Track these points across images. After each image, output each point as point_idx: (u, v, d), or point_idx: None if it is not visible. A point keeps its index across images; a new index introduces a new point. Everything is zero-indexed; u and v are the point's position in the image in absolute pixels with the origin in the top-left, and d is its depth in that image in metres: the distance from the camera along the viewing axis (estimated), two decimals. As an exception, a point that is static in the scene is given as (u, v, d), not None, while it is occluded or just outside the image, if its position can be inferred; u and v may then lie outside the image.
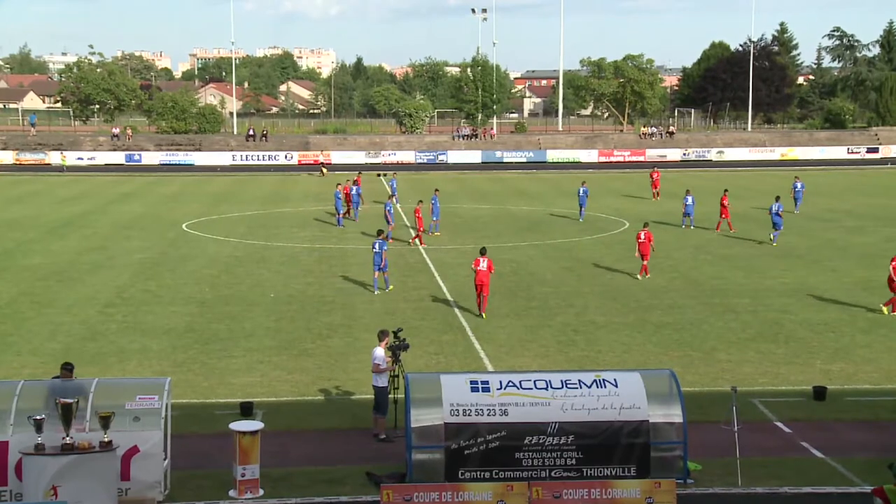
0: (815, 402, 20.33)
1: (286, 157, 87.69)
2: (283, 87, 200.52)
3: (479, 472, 15.49)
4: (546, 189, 65.50)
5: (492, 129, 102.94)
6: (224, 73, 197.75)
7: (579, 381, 16.12)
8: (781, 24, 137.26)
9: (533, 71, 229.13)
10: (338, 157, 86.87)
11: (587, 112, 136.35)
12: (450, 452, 15.51)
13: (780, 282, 32.76)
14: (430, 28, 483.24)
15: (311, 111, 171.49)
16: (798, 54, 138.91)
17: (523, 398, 15.77)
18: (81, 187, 66.44)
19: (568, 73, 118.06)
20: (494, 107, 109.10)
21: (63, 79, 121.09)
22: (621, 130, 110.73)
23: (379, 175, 72.09)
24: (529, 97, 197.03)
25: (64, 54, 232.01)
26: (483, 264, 27.62)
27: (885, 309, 27.96)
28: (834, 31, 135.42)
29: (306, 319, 27.53)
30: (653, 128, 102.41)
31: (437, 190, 46.85)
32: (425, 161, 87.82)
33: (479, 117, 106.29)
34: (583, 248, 40.22)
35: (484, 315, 27.69)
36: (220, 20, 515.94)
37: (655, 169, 62.39)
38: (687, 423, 16.01)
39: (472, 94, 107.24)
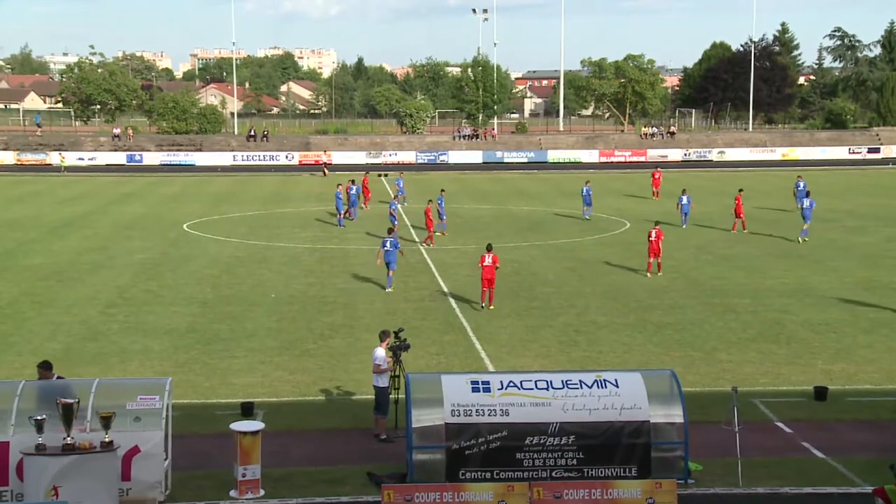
0: (816, 402, 20.31)
1: (287, 157, 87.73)
2: (283, 88, 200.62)
3: (479, 473, 15.48)
4: (547, 189, 65.51)
5: (493, 129, 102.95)
6: (225, 74, 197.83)
7: (580, 381, 16.12)
8: (782, 25, 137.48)
9: (534, 71, 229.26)
10: (339, 157, 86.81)
11: (588, 112, 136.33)
12: (451, 453, 15.51)
13: (781, 282, 32.75)
14: (431, 28, 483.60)
15: (312, 111, 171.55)
16: (799, 54, 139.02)
17: (524, 398, 15.76)
18: (82, 187, 66.46)
19: (569, 74, 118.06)
20: (495, 107, 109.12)
21: (64, 79, 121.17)
22: (622, 131, 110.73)
23: (380, 175, 72.13)
24: (530, 97, 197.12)
25: (65, 55, 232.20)
26: (489, 260, 28.57)
27: None
28: (835, 31, 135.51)
29: (307, 320, 27.54)
30: (654, 128, 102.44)
31: (442, 190, 46.93)
32: (426, 161, 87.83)
33: (480, 117, 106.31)
34: (584, 249, 40.21)
35: (493, 307, 28.52)
36: (221, 20, 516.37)
37: (657, 169, 62.50)
38: (688, 424, 16.00)
39: (473, 95, 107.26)
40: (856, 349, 24.47)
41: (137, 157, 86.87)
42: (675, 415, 16.02)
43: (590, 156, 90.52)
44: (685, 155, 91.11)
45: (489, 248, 29.31)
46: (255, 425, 16.10)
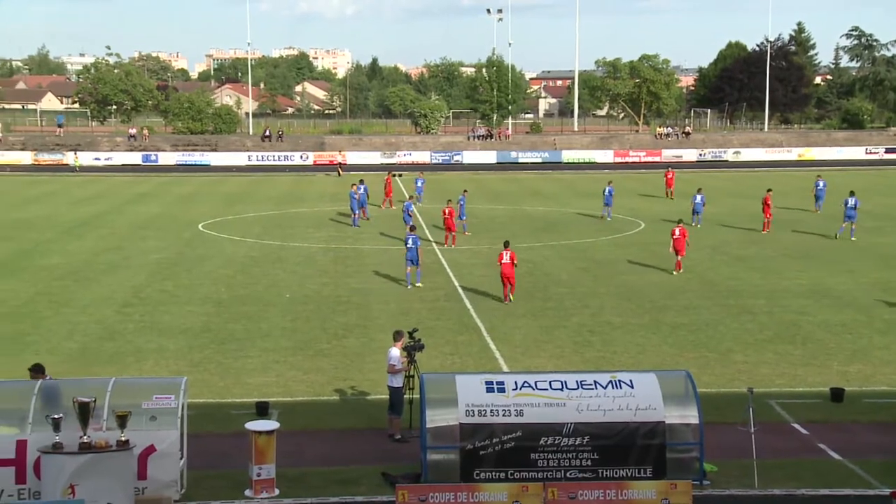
0: (832, 403, 20.22)
1: (301, 157, 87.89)
2: (298, 88, 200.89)
3: (494, 473, 15.47)
4: (561, 189, 65.43)
5: (507, 129, 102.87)
6: (240, 74, 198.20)
7: (595, 381, 16.09)
8: (799, 24, 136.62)
9: (548, 71, 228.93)
10: (353, 157, 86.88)
11: (603, 112, 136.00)
12: (465, 453, 15.50)
13: (797, 283, 32.61)
14: (446, 28, 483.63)
15: (327, 111, 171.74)
16: (815, 54, 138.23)
17: (539, 399, 15.75)
18: (98, 187, 66.77)
19: (583, 74, 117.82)
20: (510, 107, 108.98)
21: (81, 80, 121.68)
22: (637, 131, 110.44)
23: (395, 175, 72.14)
24: (545, 97, 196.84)
25: (82, 55, 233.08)
26: (507, 257, 29.42)
27: None
28: (852, 30, 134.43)
29: (322, 320, 27.59)
30: (669, 128, 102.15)
31: (465, 191, 46.96)
32: (440, 161, 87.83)
33: (495, 118, 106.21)
34: (598, 249, 40.14)
35: (513, 298, 29.50)
36: (236, 21, 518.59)
37: (670, 169, 62.40)
38: (703, 425, 15.95)
39: (488, 95, 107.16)
40: (872, 350, 24.35)
41: (153, 158, 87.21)
42: (691, 416, 15.97)
43: (604, 156, 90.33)
44: (700, 155, 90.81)
45: (507, 245, 30.00)
46: (269, 425, 16.13)
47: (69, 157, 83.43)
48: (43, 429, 14.76)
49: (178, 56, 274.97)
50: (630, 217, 49.45)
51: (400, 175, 70.06)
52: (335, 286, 32.31)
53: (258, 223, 48.13)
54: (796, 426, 18.99)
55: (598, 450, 15.57)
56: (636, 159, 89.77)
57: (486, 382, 16.07)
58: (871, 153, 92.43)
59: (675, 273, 33.85)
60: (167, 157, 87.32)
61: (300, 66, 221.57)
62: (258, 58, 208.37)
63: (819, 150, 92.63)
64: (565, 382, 16.01)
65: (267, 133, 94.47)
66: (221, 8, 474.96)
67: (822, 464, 17.14)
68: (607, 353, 24.03)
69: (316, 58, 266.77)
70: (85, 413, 14.43)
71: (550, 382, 16.02)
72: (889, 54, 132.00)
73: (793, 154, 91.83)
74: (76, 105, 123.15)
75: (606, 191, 49.23)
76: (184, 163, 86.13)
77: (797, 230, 44.45)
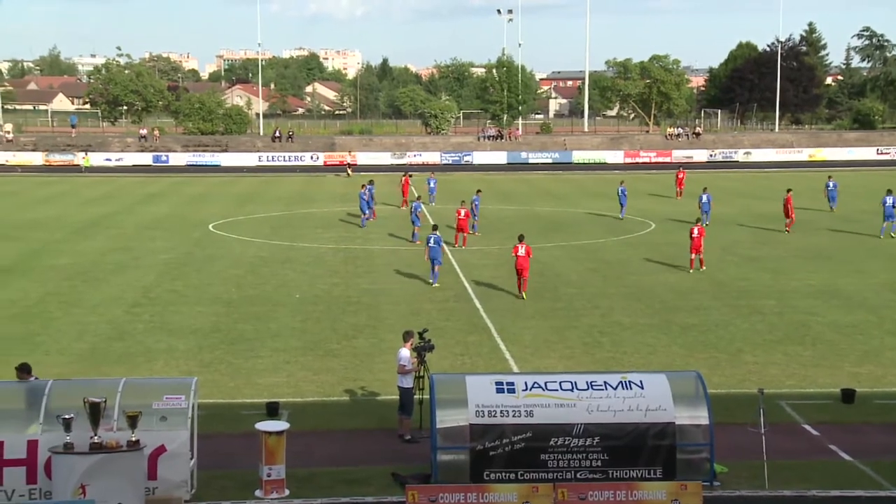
0: (843, 404, 20.14)
1: (312, 157, 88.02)
2: (308, 89, 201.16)
3: (504, 474, 15.46)
4: (572, 190, 65.37)
5: (517, 130, 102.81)
6: (250, 75, 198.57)
7: (605, 382, 16.06)
8: (810, 24, 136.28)
9: (558, 72, 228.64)
10: (363, 157, 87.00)
11: (613, 113, 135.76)
12: (475, 453, 15.50)
13: (808, 283, 32.51)
14: (456, 29, 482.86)
15: (337, 112, 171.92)
16: (826, 54, 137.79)
17: (549, 399, 15.73)
18: (108, 188, 66.98)
19: (594, 74, 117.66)
20: (520, 108, 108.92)
21: (91, 80, 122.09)
22: (647, 131, 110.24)
23: (408, 175, 72.11)
24: (555, 98, 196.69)
25: (93, 56, 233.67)
26: (522, 250, 30.11)
27: None
28: (863, 30, 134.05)
29: (332, 320, 27.61)
30: (679, 129, 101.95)
31: (479, 190, 46.89)
32: (451, 162, 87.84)
33: (505, 118, 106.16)
34: (608, 250, 40.09)
35: (525, 295, 29.93)
36: (247, 22, 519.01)
37: (681, 168, 62.39)
38: (713, 425, 15.91)
39: (498, 95, 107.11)
40: (883, 351, 24.25)
41: (164, 158, 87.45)
42: (701, 416, 15.94)
43: (615, 156, 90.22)
44: (711, 156, 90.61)
45: (521, 239, 30.64)
46: (279, 425, 16.15)
47: (80, 158, 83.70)
48: (54, 429, 14.81)
49: (188, 57, 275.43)
50: (640, 217, 49.37)
51: (411, 175, 69.98)
52: (345, 286, 32.34)
53: (268, 223, 48.21)
54: (807, 427, 18.93)
55: (608, 450, 15.54)
56: (646, 160, 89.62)
57: (497, 383, 16.06)
58: (882, 153, 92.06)
59: (693, 271, 34.24)
60: (178, 158, 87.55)
61: (310, 67, 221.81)
62: (269, 58, 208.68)
63: (830, 150, 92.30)
64: (575, 383, 15.99)
65: (277, 134, 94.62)
66: (232, 8, 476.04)
67: (833, 465, 17.08)
68: (617, 354, 23.99)
69: (326, 58, 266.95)
70: (96, 413, 14.47)
71: (560, 383, 16.00)
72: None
73: (803, 155, 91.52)
74: (87, 106, 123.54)
75: (619, 190, 49.37)
76: (194, 163, 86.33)
77: (808, 230, 44.31)
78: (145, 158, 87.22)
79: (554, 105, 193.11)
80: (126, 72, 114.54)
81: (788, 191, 45.83)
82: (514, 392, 15.81)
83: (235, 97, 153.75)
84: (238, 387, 21.55)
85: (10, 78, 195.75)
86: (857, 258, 37.51)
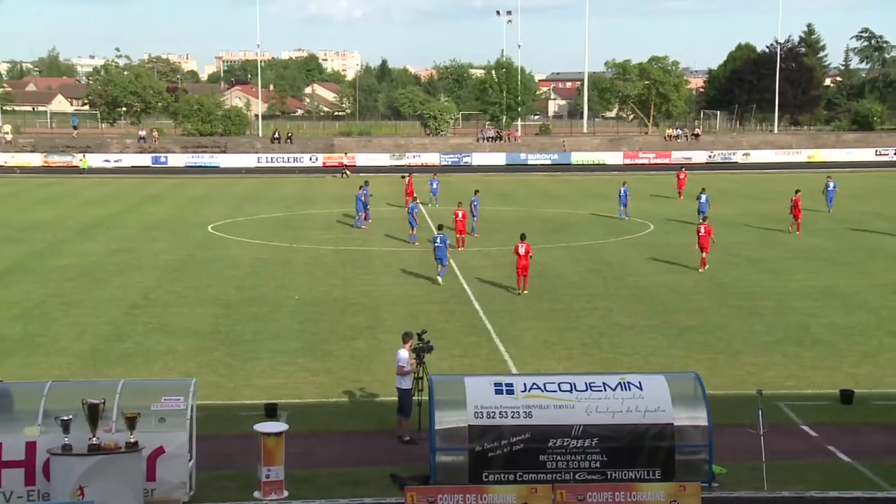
0: (841, 405, 20.16)
1: (311, 159, 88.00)
2: (308, 90, 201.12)
3: (502, 475, 15.47)
4: (571, 191, 65.39)
5: (516, 131, 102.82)
6: (249, 76, 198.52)
7: (604, 383, 16.06)
8: (808, 26, 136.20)
9: (557, 73, 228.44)
10: (362, 159, 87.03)
11: (612, 114, 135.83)
12: (474, 455, 15.50)
13: (807, 284, 32.52)
14: (455, 30, 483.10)
15: (336, 113, 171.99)
16: (825, 55, 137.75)
17: (548, 400, 15.73)
18: (108, 189, 66.98)
19: (593, 75, 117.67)
20: (519, 109, 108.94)
21: (90, 82, 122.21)
22: (646, 132, 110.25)
23: (403, 177, 72.14)
24: (554, 99, 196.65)
25: (92, 57, 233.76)
26: (522, 249, 30.86)
27: None
28: (862, 31, 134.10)
29: (331, 321, 27.61)
30: (678, 130, 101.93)
31: (477, 191, 46.82)
32: (450, 163, 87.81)
33: (504, 119, 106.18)
34: (608, 251, 40.10)
35: (526, 291, 30.67)
36: (246, 23, 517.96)
37: (683, 169, 62.48)
38: (712, 426, 15.92)
39: (497, 97, 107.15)
40: (882, 352, 24.26)
41: (162, 159, 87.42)
42: (700, 417, 15.94)
43: (614, 158, 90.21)
44: (710, 157, 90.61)
45: (523, 238, 31.41)
46: (278, 426, 16.15)
47: (78, 159, 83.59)
48: (52, 430, 14.80)
49: (187, 58, 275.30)
50: (640, 218, 49.39)
51: (412, 175, 69.95)
52: (344, 288, 32.34)
53: (268, 225, 48.22)
54: (805, 428, 18.94)
55: (606, 452, 15.55)
56: (645, 161, 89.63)
57: (495, 384, 16.06)
58: (880, 155, 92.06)
59: (700, 271, 34.46)
60: (177, 159, 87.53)
61: (310, 68, 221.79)
62: (268, 60, 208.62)
63: (829, 151, 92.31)
64: (574, 384, 16.00)
65: (276, 135, 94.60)
66: (231, 10, 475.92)
67: (832, 466, 17.09)
68: (616, 355, 24.00)
69: (325, 59, 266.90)
70: (94, 415, 14.48)
71: (559, 384, 16.01)
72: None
73: (802, 156, 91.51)
74: (86, 107, 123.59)
75: (622, 191, 49.51)
76: (193, 164, 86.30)
77: (808, 232, 44.32)
78: (144, 160, 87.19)
79: (553, 106, 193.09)
80: (125, 73, 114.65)
81: (797, 191, 45.90)
82: (512, 393, 15.82)
83: (234, 98, 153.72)
84: (237, 388, 21.56)
85: (8, 79, 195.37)
86: (856, 259, 37.52)
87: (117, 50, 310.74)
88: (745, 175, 78.37)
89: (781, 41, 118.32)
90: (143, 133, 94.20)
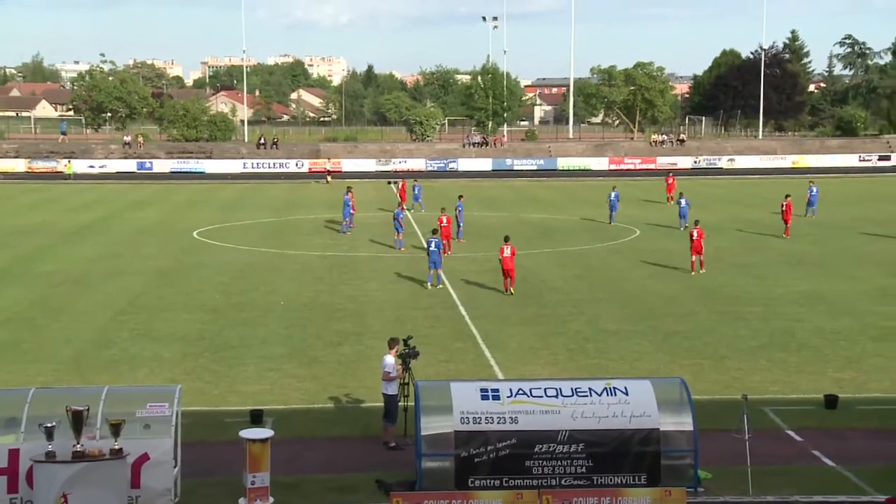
0: (826, 410, 20.24)
1: (297, 164, 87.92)
2: (294, 95, 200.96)
3: (488, 480, 15.46)
4: (557, 196, 65.51)
5: (502, 136, 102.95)
6: (235, 81, 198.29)
7: (590, 389, 16.08)
8: (793, 32, 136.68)
9: (543, 79, 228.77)
10: (348, 164, 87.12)
11: (598, 120, 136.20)
12: (460, 460, 15.49)
13: (793, 290, 32.65)
14: (441, 36, 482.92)
15: (322, 119, 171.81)
16: (809, 62, 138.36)
17: (534, 406, 15.74)
18: (93, 195, 66.72)
19: (578, 81, 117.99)
20: (505, 115, 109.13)
21: (75, 87, 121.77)
22: (632, 138, 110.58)
23: (389, 182, 72.29)
24: (540, 105, 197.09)
25: (76, 63, 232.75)
26: (507, 251, 31.45)
27: None
28: (845, 38, 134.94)
29: (317, 327, 27.56)
30: (663, 135, 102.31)
31: (461, 196, 46.74)
32: (436, 169, 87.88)
33: (490, 125, 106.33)
34: (594, 256, 40.18)
35: (513, 291, 31.38)
36: (232, 28, 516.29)
37: (671, 174, 62.80)
38: (697, 432, 15.96)
39: (483, 102, 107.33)
40: (866, 357, 24.38)
41: (148, 165, 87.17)
42: (685, 423, 15.98)
43: (599, 163, 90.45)
44: (695, 162, 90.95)
45: (507, 240, 31.99)
46: (264, 433, 16.07)
47: (62, 165, 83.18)
48: (35, 438, 14.71)
49: (173, 63, 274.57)
50: (625, 224, 49.50)
51: (395, 182, 70.08)
52: (330, 293, 32.30)
53: (254, 230, 48.12)
54: (790, 433, 19.01)
55: (592, 457, 15.56)
56: (631, 166, 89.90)
57: (481, 390, 16.06)
58: (864, 160, 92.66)
59: (692, 274, 34.95)
60: (162, 165, 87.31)
61: (295, 74, 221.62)
62: (253, 65, 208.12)
63: (813, 157, 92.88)
64: (560, 390, 16.01)
65: (262, 140, 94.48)
66: (217, 15, 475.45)
67: (817, 470, 17.16)
68: (602, 361, 24.03)
69: (311, 65, 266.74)
70: (78, 421, 14.40)
71: (545, 390, 16.02)
72: (882, 62, 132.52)
73: (787, 161, 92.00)
74: (70, 112, 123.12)
75: (612, 196, 49.94)
76: (179, 170, 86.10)
77: (793, 237, 44.50)
78: (129, 165, 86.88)
79: (539, 112, 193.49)
80: (110, 78, 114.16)
81: (787, 196, 46.20)
82: (498, 399, 15.82)
83: (220, 104, 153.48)
84: (222, 394, 21.49)
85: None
86: (842, 265, 37.70)
87: (102, 55, 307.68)
88: (730, 180, 78.71)
89: (766, 47, 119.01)
90: (128, 139, 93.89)
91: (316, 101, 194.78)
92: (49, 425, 14.41)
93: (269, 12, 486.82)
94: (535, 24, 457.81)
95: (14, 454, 14.87)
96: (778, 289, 32.82)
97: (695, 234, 35.28)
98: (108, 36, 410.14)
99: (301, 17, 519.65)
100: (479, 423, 15.55)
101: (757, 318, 28.51)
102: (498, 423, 15.56)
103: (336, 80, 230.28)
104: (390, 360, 18.46)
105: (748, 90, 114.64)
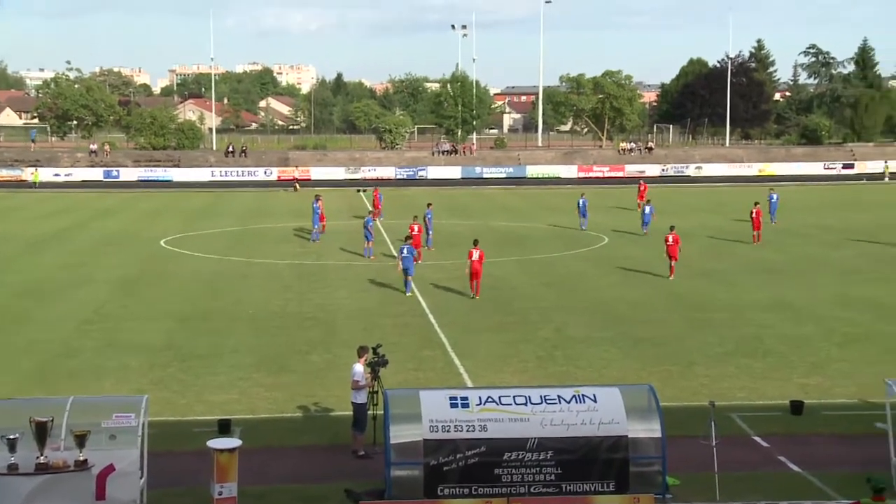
0: (792, 416, 20.41)
1: (265, 172, 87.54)
2: (262, 103, 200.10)
3: (458, 489, 15.42)
4: (526, 204, 65.69)
5: (471, 144, 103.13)
6: (203, 89, 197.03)
7: (558, 396, 16.09)
8: (758, 41, 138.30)
9: (512, 87, 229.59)
10: (317, 172, 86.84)
11: (566, 128, 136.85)
12: (429, 469, 15.45)
13: (759, 297, 32.91)
14: (410, 44, 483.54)
15: (291, 127, 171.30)
16: (775, 71, 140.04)
17: (503, 414, 15.73)
18: (59, 204, 66.06)
19: (547, 89, 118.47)
20: (474, 122, 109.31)
21: (40, 94, 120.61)
22: (600, 146, 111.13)
23: (359, 191, 72.19)
24: (509, 113, 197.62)
25: (41, 70, 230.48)
26: (476, 255, 31.98)
27: None
28: (810, 48, 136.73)
29: (286, 336, 27.43)
30: (632, 143, 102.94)
31: (429, 204, 46.73)
32: (405, 177, 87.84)
33: (459, 133, 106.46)
34: (563, 263, 40.31)
35: (478, 296, 31.90)
36: (200, 36, 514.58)
37: (642, 182, 63.17)
38: (666, 438, 16.01)
39: (452, 110, 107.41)
40: (830, 363, 24.62)
41: (114, 173, 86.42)
42: (654, 429, 16.02)
43: (568, 171, 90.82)
44: (663, 170, 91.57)
45: (476, 244, 32.62)
46: (231, 442, 15.99)
47: (28, 174, 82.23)
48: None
49: (140, 71, 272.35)
50: (594, 232, 49.73)
51: (365, 190, 70.01)
52: (299, 302, 32.17)
53: (222, 239, 47.86)
54: (757, 439, 19.15)
55: (561, 464, 15.56)
56: (600, 174, 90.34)
57: (451, 398, 16.03)
58: (828, 168, 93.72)
59: (670, 279, 35.28)
60: (129, 173, 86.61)
61: (264, 82, 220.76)
62: (222, 73, 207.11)
63: (779, 165, 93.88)
64: (529, 397, 16.01)
65: (230, 149, 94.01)
66: (184, 23, 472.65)
67: (783, 476, 17.29)
68: (571, 368, 24.10)
69: (280, 73, 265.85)
70: (42, 433, 14.23)
71: (514, 397, 16.01)
72: (845, 72, 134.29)
73: (753, 169, 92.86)
74: (35, 120, 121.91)
75: (580, 202, 50.35)
76: (146, 178, 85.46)
77: (760, 244, 44.89)
78: (96, 174, 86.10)
79: (508, 120, 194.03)
80: (76, 86, 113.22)
81: (756, 204, 46.67)
82: (468, 407, 15.79)
83: (188, 112, 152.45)
84: (189, 404, 21.32)
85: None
86: (806, 272, 38.06)
87: (68, 63, 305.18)
88: (698, 188, 79.31)
89: (732, 56, 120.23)
90: (94, 147, 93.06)
91: (285, 110, 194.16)
92: (12, 437, 14.22)
93: (237, 20, 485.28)
94: (505, 32, 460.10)
95: (-24, 466, 14.65)
96: (745, 295, 33.07)
97: (670, 238, 35.60)
98: (74, 43, 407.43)
99: (270, 24, 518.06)
100: (448, 432, 15.52)
101: (724, 324, 28.72)
102: (467, 431, 15.54)
103: (305, 88, 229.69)
104: (359, 368, 18.41)
105: (715, 98, 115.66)
